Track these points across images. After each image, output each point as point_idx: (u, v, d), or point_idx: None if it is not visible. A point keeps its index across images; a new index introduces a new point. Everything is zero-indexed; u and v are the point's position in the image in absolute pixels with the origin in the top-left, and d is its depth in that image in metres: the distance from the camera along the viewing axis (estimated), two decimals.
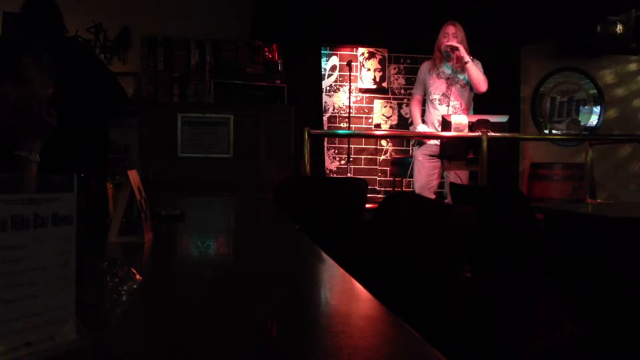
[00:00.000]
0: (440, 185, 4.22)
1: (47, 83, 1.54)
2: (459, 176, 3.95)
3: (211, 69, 5.27)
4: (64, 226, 0.58)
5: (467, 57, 3.85)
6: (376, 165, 6.20)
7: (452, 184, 3.20)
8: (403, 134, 5.95)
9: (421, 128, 4.05)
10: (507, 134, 3.84)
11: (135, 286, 0.81)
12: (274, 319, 0.78)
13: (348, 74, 5.78)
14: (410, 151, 5.67)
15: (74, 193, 0.59)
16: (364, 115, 6.21)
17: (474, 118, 3.72)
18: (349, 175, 5.83)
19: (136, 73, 5.41)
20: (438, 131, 3.86)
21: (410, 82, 6.01)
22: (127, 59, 5.50)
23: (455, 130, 3.68)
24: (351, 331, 0.70)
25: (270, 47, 4.96)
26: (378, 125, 6.23)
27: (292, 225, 1.66)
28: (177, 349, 0.61)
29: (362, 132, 6.23)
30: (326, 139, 5.96)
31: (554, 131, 6.34)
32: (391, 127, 6.25)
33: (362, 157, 6.18)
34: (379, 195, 5.96)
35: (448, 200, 3.51)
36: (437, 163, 4.00)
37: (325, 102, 6.12)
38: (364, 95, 6.21)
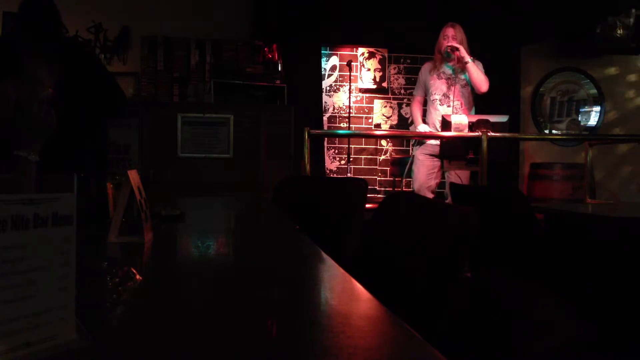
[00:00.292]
0: (440, 185, 4.23)
1: (47, 83, 1.54)
2: (459, 176, 3.95)
3: (211, 69, 5.27)
4: (64, 226, 0.58)
5: (467, 57, 3.85)
6: (376, 165, 6.19)
7: (452, 184, 3.20)
8: (403, 134, 5.95)
9: (422, 128, 4.05)
10: (507, 134, 3.84)
11: (135, 286, 0.81)
12: (274, 319, 0.78)
13: (348, 74, 5.78)
14: (411, 151, 5.67)
15: (74, 193, 0.59)
16: (364, 115, 6.21)
17: (474, 118, 3.73)
18: (349, 175, 5.82)
19: (136, 73, 5.41)
20: (439, 131, 3.87)
21: (410, 82, 6.01)
22: (127, 59, 5.50)
23: (455, 130, 3.68)
24: (351, 331, 0.70)
25: (270, 47, 4.96)
26: (378, 125, 6.23)
27: (292, 225, 1.66)
28: (177, 349, 0.61)
29: (362, 132, 6.23)
30: (326, 139, 5.96)
31: (554, 131, 6.34)
32: (391, 127, 6.25)
33: (362, 157, 6.18)
34: (379, 195, 5.96)
35: (448, 200, 3.51)
36: (437, 162, 4.00)
37: (325, 102, 6.12)
38: (364, 95, 6.20)
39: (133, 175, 1.28)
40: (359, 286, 0.89)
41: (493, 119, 3.72)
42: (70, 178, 0.59)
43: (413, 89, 4.49)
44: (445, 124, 3.72)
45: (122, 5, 5.37)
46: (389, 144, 6.21)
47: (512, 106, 5.66)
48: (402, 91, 6.25)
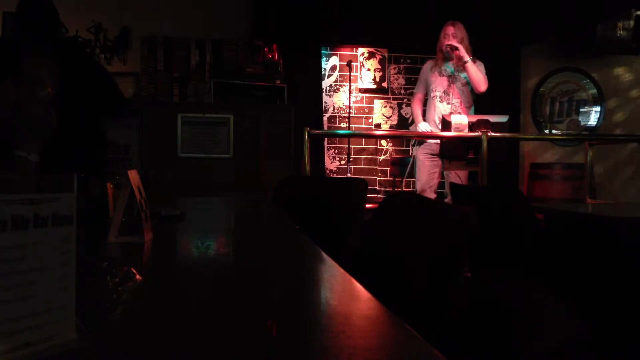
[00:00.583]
0: (440, 185, 4.23)
1: (46, 83, 1.54)
2: (458, 176, 3.96)
3: (211, 69, 5.26)
4: (64, 226, 0.58)
5: (466, 57, 3.86)
6: (376, 165, 6.19)
7: (452, 184, 3.20)
8: (403, 134, 5.95)
9: (422, 125, 4.06)
10: (507, 134, 3.84)
11: (135, 286, 0.81)
12: (274, 319, 0.78)
13: (348, 74, 5.78)
14: (411, 151, 5.67)
15: (74, 193, 0.59)
16: (364, 115, 6.21)
17: (474, 118, 3.73)
18: (349, 175, 5.82)
19: (136, 73, 5.41)
20: (439, 128, 3.88)
21: (410, 82, 6.01)
22: (127, 59, 5.50)
23: (455, 130, 3.68)
24: (351, 331, 0.70)
25: (270, 47, 4.96)
26: (378, 125, 6.23)
27: (292, 225, 1.66)
28: (177, 349, 0.61)
29: (362, 132, 6.24)
30: (326, 139, 5.96)
31: (554, 131, 6.34)
32: (391, 127, 6.25)
33: (362, 157, 6.18)
34: (379, 195, 5.96)
35: (448, 200, 3.51)
36: (437, 162, 4.02)
37: (325, 102, 6.12)
38: (364, 95, 6.20)
39: (133, 175, 1.28)
40: (359, 286, 0.89)
41: (493, 119, 3.72)
42: (70, 178, 0.59)
43: (413, 89, 4.50)
44: (445, 124, 3.73)
45: (122, 5, 5.37)
46: (389, 144, 6.21)
47: (512, 106, 5.66)
48: (402, 91, 6.25)
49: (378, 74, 6.16)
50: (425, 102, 4.20)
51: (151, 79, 5.35)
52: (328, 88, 6.16)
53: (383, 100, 6.23)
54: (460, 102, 3.98)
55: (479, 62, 3.94)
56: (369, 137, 6.24)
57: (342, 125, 6.12)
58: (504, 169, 5.14)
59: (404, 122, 6.15)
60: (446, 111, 3.92)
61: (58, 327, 0.57)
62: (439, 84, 4.01)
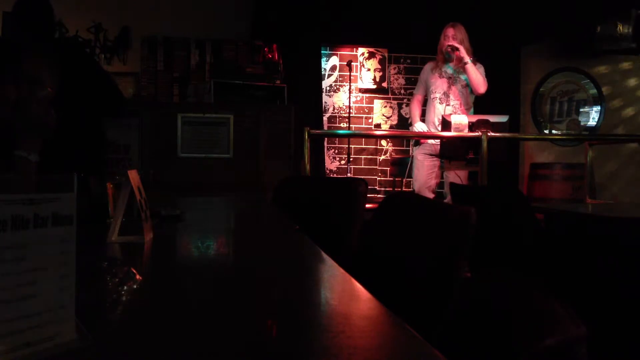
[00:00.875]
0: (440, 185, 4.23)
1: (46, 83, 1.54)
2: (458, 176, 3.96)
3: (211, 69, 5.26)
4: (64, 226, 0.58)
5: (466, 58, 3.87)
6: (376, 165, 6.19)
7: (452, 184, 3.20)
8: (403, 134, 5.95)
9: (419, 126, 4.07)
10: (507, 134, 3.84)
11: (135, 286, 0.81)
12: (274, 319, 0.78)
13: (348, 74, 5.78)
14: (410, 151, 5.67)
15: (74, 193, 0.59)
16: (364, 115, 6.21)
17: (474, 118, 3.73)
18: (349, 175, 5.82)
19: (136, 73, 5.40)
20: (438, 129, 3.88)
21: (410, 82, 6.01)
22: (127, 59, 5.50)
23: (455, 131, 3.68)
24: (351, 331, 0.70)
25: (270, 47, 4.96)
26: (378, 125, 6.23)
27: (292, 225, 1.66)
28: (177, 349, 0.61)
29: (362, 132, 6.24)
30: (326, 139, 5.96)
31: (554, 131, 6.34)
32: (391, 127, 6.25)
33: (362, 157, 6.18)
34: (379, 195, 5.96)
35: (448, 200, 3.51)
36: (436, 162, 4.02)
37: (325, 102, 6.12)
38: (364, 95, 6.21)
39: (133, 175, 1.28)
40: (359, 286, 0.89)
41: (493, 119, 3.72)
42: (70, 178, 0.59)
43: (413, 89, 4.51)
44: (445, 124, 3.73)
45: (122, 5, 5.37)
46: (389, 144, 6.21)
47: (512, 106, 5.66)
48: (402, 91, 6.25)
49: (378, 74, 6.16)
50: (424, 104, 4.20)
51: (151, 79, 5.35)
52: (328, 88, 6.16)
53: (383, 100, 6.23)
54: (460, 103, 3.98)
55: (479, 65, 3.95)
56: (369, 137, 6.24)
57: (342, 125, 6.12)
58: (504, 169, 5.14)
59: (404, 122, 6.15)
60: (446, 113, 3.92)
61: (58, 327, 0.57)
62: (439, 86, 4.01)
